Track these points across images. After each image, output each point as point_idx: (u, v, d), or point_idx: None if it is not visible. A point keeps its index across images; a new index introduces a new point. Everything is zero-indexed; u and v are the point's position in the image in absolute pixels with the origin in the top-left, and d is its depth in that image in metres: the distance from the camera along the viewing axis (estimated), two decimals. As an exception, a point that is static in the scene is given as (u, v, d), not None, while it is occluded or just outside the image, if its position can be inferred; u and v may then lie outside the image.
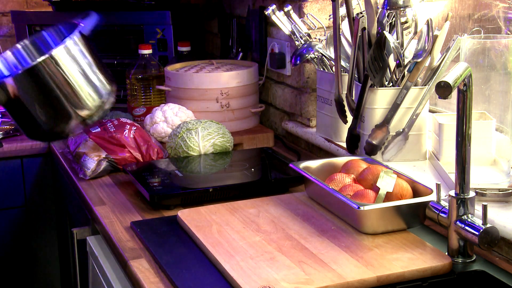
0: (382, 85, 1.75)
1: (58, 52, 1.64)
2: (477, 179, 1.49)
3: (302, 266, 1.33)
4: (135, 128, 2.10)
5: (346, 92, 1.85)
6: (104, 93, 1.72)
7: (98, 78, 1.72)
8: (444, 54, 1.71)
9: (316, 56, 2.03)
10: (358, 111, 1.79)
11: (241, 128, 2.32)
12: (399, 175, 1.56)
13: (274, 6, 2.09)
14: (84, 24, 1.69)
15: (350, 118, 1.86)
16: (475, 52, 1.51)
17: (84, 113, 1.69)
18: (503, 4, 1.74)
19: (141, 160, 2.03)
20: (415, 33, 1.77)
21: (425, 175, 1.68)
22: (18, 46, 1.85)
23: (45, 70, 1.61)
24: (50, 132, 1.69)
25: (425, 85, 1.74)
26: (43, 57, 1.61)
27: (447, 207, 1.37)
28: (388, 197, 1.51)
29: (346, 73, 1.89)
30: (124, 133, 2.06)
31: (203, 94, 2.29)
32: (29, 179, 2.51)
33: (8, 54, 1.84)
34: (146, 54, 2.52)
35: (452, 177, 1.41)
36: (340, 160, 1.73)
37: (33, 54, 1.86)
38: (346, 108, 1.88)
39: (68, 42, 1.66)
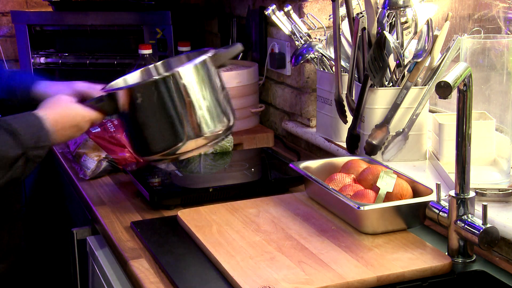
0: (382, 85, 1.75)
1: (185, 70, 1.51)
2: (477, 179, 1.49)
3: (302, 266, 1.33)
4: (135, 128, 2.10)
5: (346, 92, 1.85)
6: (224, 123, 1.56)
7: (221, 107, 1.56)
8: (444, 54, 1.71)
9: (316, 56, 2.03)
10: (358, 111, 1.79)
11: (241, 128, 2.32)
12: (399, 175, 1.56)
13: (274, 6, 2.09)
14: (227, 51, 1.60)
15: (350, 118, 1.86)
16: (475, 52, 1.51)
17: (196, 138, 1.53)
18: (503, 4, 1.74)
19: (141, 160, 2.03)
20: (415, 33, 1.76)
21: (425, 175, 1.68)
22: (149, 66, 1.77)
23: (166, 85, 1.50)
24: (158, 151, 1.54)
25: (425, 85, 1.74)
26: (167, 73, 1.50)
27: (447, 207, 1.37)
28: (388, 197, 1.51)
29: (346, 73, 1.89)
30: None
31: (203, 94, 2.28)
32: (29, 179, 2.51)
33: (136, 72, 1.76)
34: (146, 54, 2.52)
35: (452, 177, 1.41)
36: (340, 160, 1.73)
37: (159, 72, 1.73)
38: (346, 108, 1.88)
39: (197, 61, 1.53)
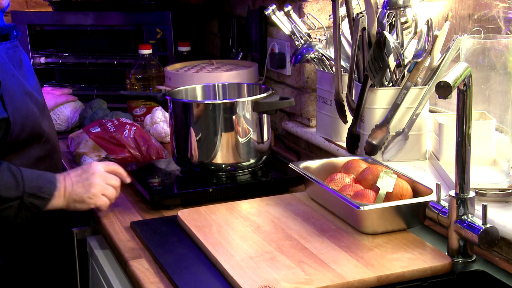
0: (382, 85, 1.75)
1: None
2: (477, 179, 1.49)
3: (302, 266, 1.33)
4: (135, 128, 2.10)
5: (346, 92, 1.85)
6: None
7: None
8: (444, 54, 1.71)
9: (316, 56, 2.03)
10: (358, 111, 1.79)
11: (241, 128, 2.32)
12: (399, 175, 1.56)
13: (274, 6, 2.09)
14: None
15: (350, 118, 1.86)
16: (475, 52, 1.51)
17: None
18: (503, 4, 1.74)
19: (141, 160, 2.03)
20: (415, 33, 1.76)
21: (425, 175, 1.68)
22: None
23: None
24: None
25: (425, 85, 1.74)
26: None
27: (447, 207, 1.37)
28: (388, 197, 1.51)
29: (346, 73, 1.89)
30: (124, 133, 2.06)
31: (203, 94, 2.29)
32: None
33: None
34: (146, 54, 2.52)
35: (452, 177, 1.41)
36: (340, 160, 1.73)
37: None
38: (346, 108, 1.88)
39: None
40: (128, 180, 1.73)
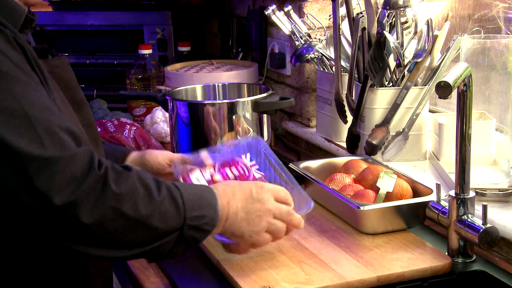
0: (382, 85, 1.75)
1: None
2: (477, 179, 1.49)
3: (302, 266, 1.33)
4: (135, 128, 2.10)
5: (346, 92, 1.85)
6: None
7: None
8: (444, 54, 1.71)
9: (316, 56, 2.03)
10: (358, 111, 1.79)
11: (241, 128, 2.32)
12: (399, 175, 1.56)
13: (274, 6, 2.09)
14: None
15: (350, 118, 1.86)
16: (475, 52, 1.51)
17: None
18: (503, 4, 1.74)
19: (141, 160, 2.03)
20: (415, 33, 1.76)
21: (425, 175, 1.68)
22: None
23: None
24: None
25: (425, 85, 1.74)
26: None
27: (447, 207, 1.37)
28: (388, 197, 1.51)
29: (346, 73, 1.89)
30: (124, 133, 2.06)
31: (203, 94, 2.29)
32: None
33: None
34: (146, 54, 2.52)
35: (452, 177, 1.41)
36: (340, 160, 1.73)
37: None
38: (346, 108, 1.88)
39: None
40: (302, 225, 1.33)
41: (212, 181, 1.45)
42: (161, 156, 1.55)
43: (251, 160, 1.50)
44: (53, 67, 1.27)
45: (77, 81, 1.34)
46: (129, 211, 1.10)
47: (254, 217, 1.26)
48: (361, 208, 1.43)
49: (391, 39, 1.68)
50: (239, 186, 1.28)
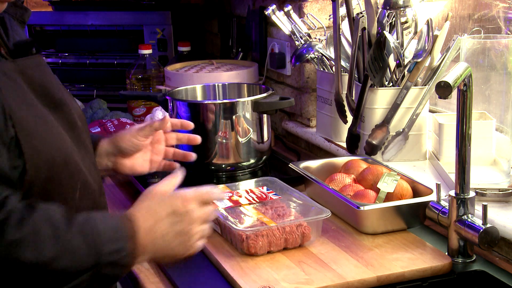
0: (382, 85, 1.75)
1: None
2: (477, 179, 1.49)
3: (302, 266, 1.33)
4: (135, 128, 2.10)
5: (346, 92, 1.85)
6: None
7: None
8: (444, 54, 1.71)
9: (316, 56, 2.03)
10: (358, 111, 1.79)
11: (241, 128, 2.32)
12: (399, 175, 1.56)
13: (274, 6, 2.09)
14: None
15: (350, 118, 1.86)
16: (475, 52, 1.51)
17: None
18: (503, 4, 1.74)
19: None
20: (415, 33, 1.76)
21: (425, 175, 1.68)
22: None
23: None
24: None
25: (425, 85, 1.74)
26: None
27: (447, 207, 1.37)
28: (388, 197, 1.51)
29: (346, 73, 1.89)
30: (124, 133, 2.06)
31: (203, 94, 2.29)
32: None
33: None
34: (146, 54, 2.52)
35: (452, 177, 1.41)
36: (340, 160, 1.73)
37: None
38: (346, 108, 1.88)
39: None
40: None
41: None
42: (129, 136, 1.47)
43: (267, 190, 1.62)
44: (24, 68, 1.16)
45: (55, 81, 1.25)
46: (30, 256, 1.01)
47: (185, 232, 1.19)
48: (361, 208, 1.43)
49: (391, 39, 1.68)
50: (160, 205, 1.19)
